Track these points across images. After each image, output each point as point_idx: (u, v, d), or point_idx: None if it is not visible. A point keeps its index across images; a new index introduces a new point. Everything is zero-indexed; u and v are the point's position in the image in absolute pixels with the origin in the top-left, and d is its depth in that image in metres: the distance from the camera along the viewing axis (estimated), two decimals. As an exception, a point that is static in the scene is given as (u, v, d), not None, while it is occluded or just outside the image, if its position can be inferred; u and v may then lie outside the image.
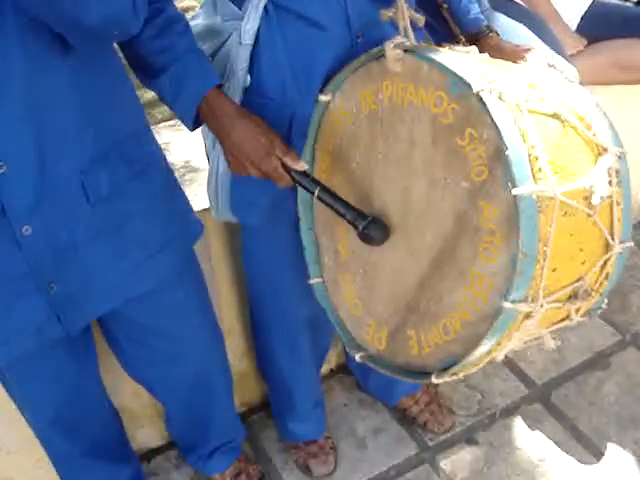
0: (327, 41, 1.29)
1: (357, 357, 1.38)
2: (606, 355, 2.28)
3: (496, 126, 1.09)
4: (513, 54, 1.36)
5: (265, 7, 1.27)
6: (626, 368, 2.21)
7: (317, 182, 1.27)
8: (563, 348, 2.25)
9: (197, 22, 1.41)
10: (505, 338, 1.19)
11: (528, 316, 1.17)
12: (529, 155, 1.09)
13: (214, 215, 1.54)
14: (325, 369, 2.17)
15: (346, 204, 1.26)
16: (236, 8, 1.31)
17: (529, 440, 1.96)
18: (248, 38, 1.29)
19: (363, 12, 1.30)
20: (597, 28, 2.12)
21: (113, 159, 1.21)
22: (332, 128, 1.36)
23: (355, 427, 2.03)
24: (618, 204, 1.22)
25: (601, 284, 1.27)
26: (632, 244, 1.28)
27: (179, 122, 1.35)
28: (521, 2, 2.07)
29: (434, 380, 1.23)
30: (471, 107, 1.12)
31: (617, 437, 1.97)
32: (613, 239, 1.23)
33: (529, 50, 1.38)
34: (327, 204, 1.27)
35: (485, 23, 1.47)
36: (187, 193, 1.46)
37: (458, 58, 1.17)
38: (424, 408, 1.95)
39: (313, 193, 1.27)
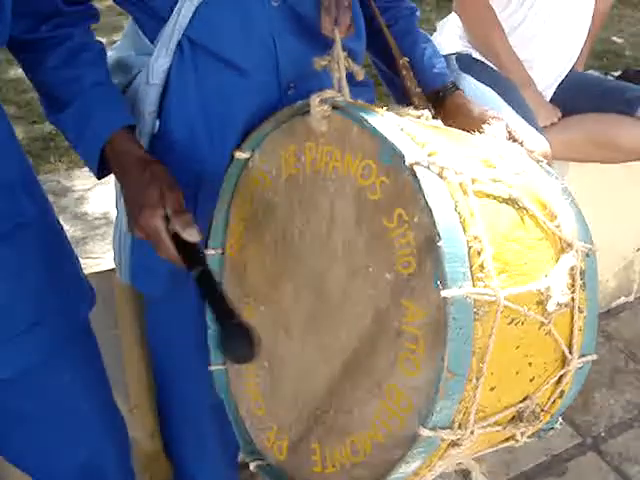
0: (249, 89, 1.09)
1: (251, 466, 1.14)
2: (563, 459, 2.04)
3: (429, 210, 0.88)
4: (480, 117, 1.17)
5: (179, 43, 1.07)
6: (584, 476, 1.99)
7: (203, 262, 1.04)
8: (516, 448, 2.02)
9: (110, 54, 1.20)
10: (424, 468, 0.97)
11: (454, 444, 0.95)
12: (469, 248, 0.89)
13: (119, 276, 1.31)
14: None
15: (223, 296, 1.01)
16: (148, 41, 1.10)
17: None
18: (156, 77, 1.08)
19: (297, 59, 1.10)
20: (573, 100, 1.94)
21: None
22: (248, 191, 1.15)
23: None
24: (581, 311, 1.02)
25: (554, 403, 1.07)
26: (594, 357, 1.07)
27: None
28: (493, 66, 1.90)
29: (337, 512, 1.00)
30: (403, 183, 0.92)
31: None
32: (571, 352, 1.03)
33: (496, 117, 1.19)
34: (202, 289, 1.02)
35: (451, 79, 1.27)
36: (97, 248, 1.24)
37: (398, 122, 0.97)
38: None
39: (191, 270, 1.02)
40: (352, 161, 0.98)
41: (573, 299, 1.00)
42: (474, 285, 0.88)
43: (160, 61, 1.07)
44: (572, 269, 1.00)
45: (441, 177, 0.91)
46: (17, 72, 4.05)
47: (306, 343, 1.06)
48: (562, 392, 1.06)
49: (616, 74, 2.21)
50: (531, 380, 1.01)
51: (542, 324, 0.97)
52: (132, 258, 1.22)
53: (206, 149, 1.11)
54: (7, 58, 4.09)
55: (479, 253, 0.89)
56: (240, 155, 1.13)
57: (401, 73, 1.25)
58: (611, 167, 2.05)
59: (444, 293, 0.86)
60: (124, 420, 1.35)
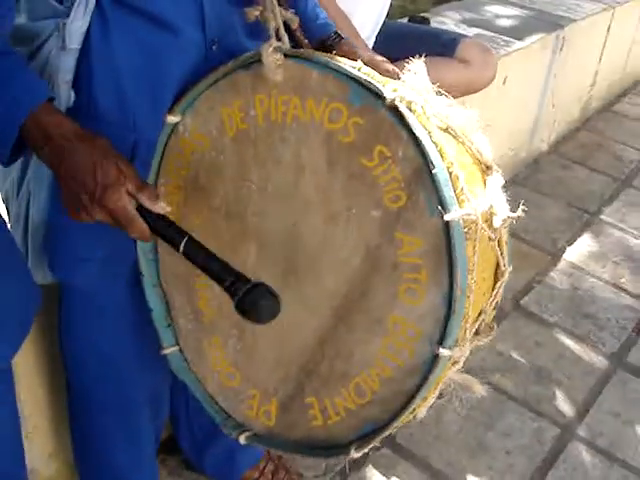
0: (179, 47, 1.01)
1: (242, 439, 1.10)
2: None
3: (417, 142, 0.91)
4: (370, 62, 1.19)
5: (98, 1, 0.96)
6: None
7: (183, 231, 0.96)
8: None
9: None
10: (432, 392, 1.01)
11: (454, 362, 1.00)
12: (450, 174, 0.93)
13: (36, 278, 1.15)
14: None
15: (222, 262, 0.95)
16: (55, 3, 0.97)
17: (386, 490, 1.81)
18: (75, 41, 0.96)
19: (221, 14, 1.05)
20: (392, 48, 2.05)
21: None
22: (182, 157, 1.08)
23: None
24: (504, 226, 1.11)
25: (492, 316, 1.15)
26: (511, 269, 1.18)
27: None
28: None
29: (354, 455, 1.01)
30: (380, 121, 0.93)
31: (470, 466, 1.89)
32: (504, 265, 1.12)
33: (385, 60, 1.24)
34: (196, 262, 0.96)
35: (334, 29, 1.29)
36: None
37: (352, 64, 0.97)
38: (272, 479, 1.69)
39: (177, 247, 0.95)
40: (316, 107, 0.97)
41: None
42: (461, 207, 0.93)
43: (77, 23, 0.95)
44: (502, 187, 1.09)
45: (411, 111, 0.94)
46: None
47: (283, 300, 1.03)
48: (496, 304, 1.16)
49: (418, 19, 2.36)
50: (484, 294, 1.09)
51: (490, 239, 1.05)
52: (53, 247, 1.08)
53: (139, 116, 1.02)
54: None
55: (457, 178, 0.94)
56: (171, 119, 1.05)
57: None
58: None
59: (447, 217, 0.90)
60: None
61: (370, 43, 2.10)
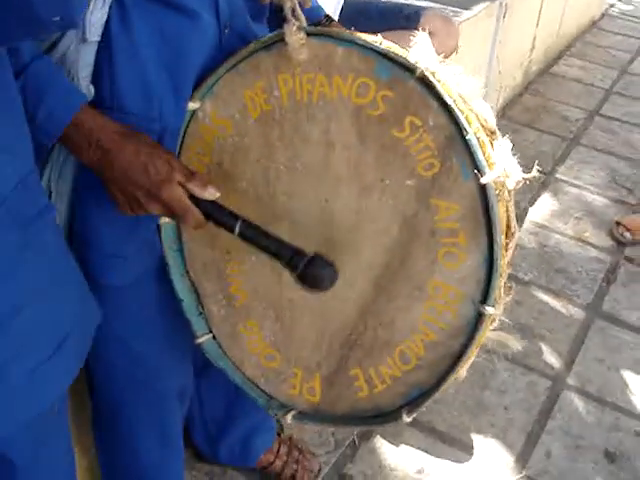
0: (197, 32, 1.01)
1: (288, 418, 1.11)
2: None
3: (448, 109, 0.94)
4: None
5: None
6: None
7: (235, 214, 0.99)
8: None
9: None
10: (474, 350, 1.04)
11: (493, 320, 1.04)
12: (477, 139, 0.96)
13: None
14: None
15: (278, 239, 1.00)
16: None
17: (399, 457, 1.84)
18: (95, 33, 0.95)
19: None
20: (357, 24, 2.07)
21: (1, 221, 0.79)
22: (204, 143, 1.07)
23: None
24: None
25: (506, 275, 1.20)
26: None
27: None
28: None
29: (406, 419, 1.04)
30: (409, 92, 0.95)
31: (473, 425, 1.96)
32: (514, 226, 1.16)
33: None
34: (253, 242, 1.00)
35: (325, 12, 1.30)
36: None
37: (373, 39, 0.98)
38: (287, 460, 1.71)
39: (232, 230, 0.99)
40: (342, 83, 0.98)
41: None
42: (491, 170, 0.97)
43: (97, 14, 0.94)
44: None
45: (438, 80, 0.97)
46: None
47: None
48: (509, 263, 1.21)
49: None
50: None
51: (506, 201, 1.09)
52: (83, 249, 1.07)
53: (165, 104, 1.01)
54: None
55: (484, 143, 0.97)
56: (190, 106, 1.05)
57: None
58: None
59: (483, 180, 0.93)
60: None
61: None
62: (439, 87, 0.94)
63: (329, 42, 0.98)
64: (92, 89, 0.98)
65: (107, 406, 1.30)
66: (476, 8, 2.89)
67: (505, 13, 3.14)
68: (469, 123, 0.95)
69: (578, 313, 2.41)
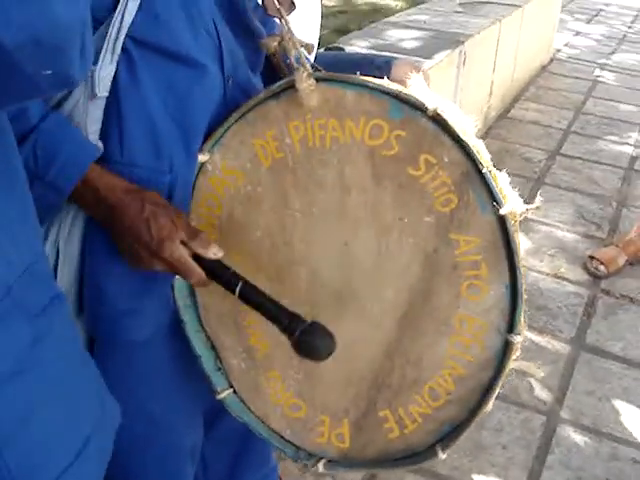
0: (204, 84, 1.01)
1: (320, 467, 1.09)
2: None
3: (462, 145, 0.96)
4: None
5: (122, 45, 0.95)
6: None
7: (238, 275, 0.99)
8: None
9: None
10: (503, 378, 1.04)
11: (516, 349, 1.04)
12: (489, 172, 0.98)
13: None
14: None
15: (277, 304, 0.99)
16: None
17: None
18: (104, 89, 0.95)
19: (232, 49, 1.06)
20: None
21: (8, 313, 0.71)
22: (214, 196, 1.08)
23: None
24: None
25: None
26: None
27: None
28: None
29: (441, 456, 1.03)
30: (422, 130, 0.97)
31: (474, 467, 1.93)
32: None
33: None
34: (252, 305, 0.99)
35: (312, 62, 1.33)
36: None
37: (379, 82, 1.01)
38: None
39: (233, 290, 0.98)
40: (355, 126, 1.00)
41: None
42: (505, 202, 0.99)
43: (106, 69, 0.94)
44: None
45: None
46: None
47: (342, 321, 1.05)
48: None
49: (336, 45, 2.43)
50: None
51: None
52: (95, 307, 1.05)
53: (175, 156, 1.01)
54: None
55: (496, 176, 1.00)
56: (200, 158, 1.05)
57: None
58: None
59: (502, 211, 0.95)
60: None
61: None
62: (451, 124, 0.96)
63: (339, 87, 0.99)
64: (101, 145, 0.98)
65: (121, 468, 1.25)
66: (437, 57, 2.99)
67: (464, 61, 3.25)
68: (480, 157, 0.98)
69: (563, 348, 2.44)
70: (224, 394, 1.13)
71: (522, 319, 1.02)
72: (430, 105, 0.96)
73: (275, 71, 1.19)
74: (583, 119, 4.27)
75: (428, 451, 1.05)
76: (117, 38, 0.94)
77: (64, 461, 0.76)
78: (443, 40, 3.24)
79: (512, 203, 0.97)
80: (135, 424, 1.18)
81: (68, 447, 0.77)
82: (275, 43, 1.05)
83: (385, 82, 0.99)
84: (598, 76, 5.04)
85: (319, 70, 1.38)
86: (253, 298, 0.98)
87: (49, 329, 0.76)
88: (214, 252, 0.97)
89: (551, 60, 5.29)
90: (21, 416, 0.71)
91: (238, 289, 0.98)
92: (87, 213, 0.98)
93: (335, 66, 2.17)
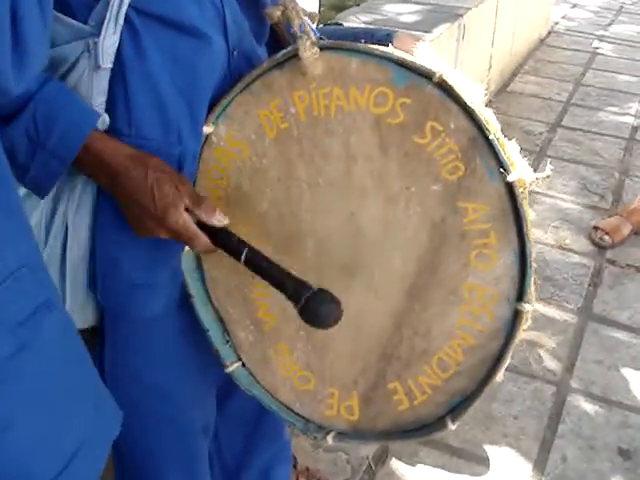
0: (209, 54, 1.00)
1: (329, 440, 1.08)
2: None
3: (468, 112, 0.95)
4: None
5: (125, 16, 0.93)
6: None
7: (243, 242, 0.98)
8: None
9: None
10: (513, 349, 1.04)
11: (527, 318, 1.03)
12: (497, 139, 0.97)
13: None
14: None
15: (284, 270, 0.97)
16: (77, 22, 0.94)
17: (417, 476, 1.82)
18: (107, 60, 0.93)
19: (236, 20, 1.04)
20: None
21: None
22: (220, 168, 1.06)
23: None
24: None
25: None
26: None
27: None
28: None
29: (451, 427, 1.02)
30: (428, 97, 0.96)
31: (486, 438, 1.94)
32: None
33: None
34: (258, 272, 0.98)
35: (318, 34, 1.31)
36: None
37: (383, 49, 0.99)
38: (306, 491, 1.67)
39: (238, 258, 0.97)
40: (359, 95, 0.98)
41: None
42: (514, 169, 0.97)
43: (109, 40, 0.92)
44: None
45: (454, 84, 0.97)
46: None
47: (350, 291, 1.04)
48: None
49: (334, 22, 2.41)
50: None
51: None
52: (107, 281, 1.04)
53: (183, 127, 1.00)
54: None
55: (504, 143, 0.98)
56: (205, 130, 1.04)
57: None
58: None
59: (510, 178, 0.94)
60: None
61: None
62: (458, 90, 0.94)
63: (343, 55, 0.98)
64: (107, 118, 0.97)
65: (132, 448, 1.25)
66: (437, 31, 2.96)
67: (464, 34, 3.22)
68: (488, 124, 0.96)
69: (571, 318, 2.44)
70: (233, 367, 1.12)
71: (532, 288, 1.01)
72: (435, 71, 0.94)
73: (281, 42, 1.17)
74: (583, 91, 4.23)
75: (438, 422, 1.04)
76: (120, 8, 0.92)
77: (48, 473, 0.72)
78: (442, 14, 3.21)
79: (520, 170, 0.96)
80: (146, 401, 1.18)
81: (54, 457, 0.74)
82: (279, 12, 1.04)
83: (390, 49, 0.98)
84: (597, 48, 5.00)
85: (323, 39, 1.37)
86: (259, 264, 0.97)
87: (34, 337, 0.72)
88: (218, 219, 0.96)
89: (549, 33, 5.24)
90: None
91: (244, 255, 0.96)
92: (91, 177, 0.97)
93: (336, 39, 2.16)
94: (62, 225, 1.02)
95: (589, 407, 2.07)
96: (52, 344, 0.76)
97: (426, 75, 0.95)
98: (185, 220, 0.95)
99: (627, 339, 2.35)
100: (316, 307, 0.93)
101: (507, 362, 1.03)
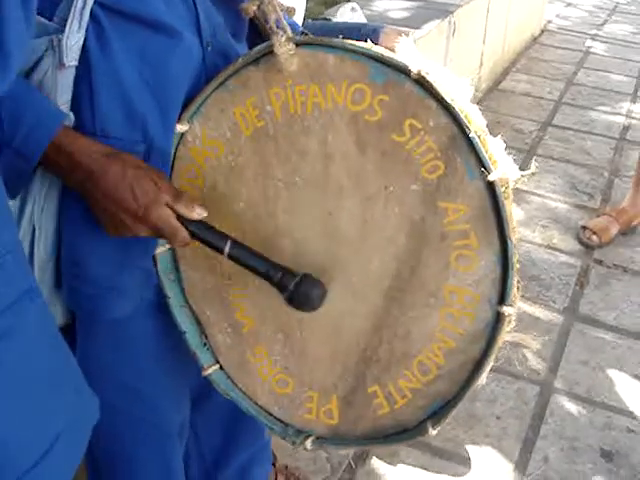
0: (180, 51, 0.97)
1: (308, 445, 1.06)
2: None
3: (448, 109, 0.92)
4: None
5: (91, 13, 0.90)
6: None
7: (224, 235, 0.96)
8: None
9: None
10: (495, 352, 1.01)
11: (509, 321, 1.01)
12: (478, 137, 0.94)
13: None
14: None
15: (267, 260, 0.97)
16: (41, 19, 0.91)
17: (397, 476, 1.80)
18: (73, 57, 0.91)
19: (211, 14, 1.02)
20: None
21: None
22: (195, 166, 1.04)
23: None
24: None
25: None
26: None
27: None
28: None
29: (432, 432, 1.00)
30: (407, 94, 0.93)
31: (468, 438, 1.93)
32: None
33: None
34: (242, 263, 0.97)
35: (301, 29, 1.28)
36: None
37: (361, 44, 0.97)
38: (284, 490, 1.65)
39: (221, 251, 0.96)
40: (337, 92, 0.96)
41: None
42: (495, 168, 0.95)
43: (73, 37, 0.89)
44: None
45: (434, 81, 0.95)
46: None
47: (329, 292, 1.01)
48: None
49: (322, 18, 2.38)
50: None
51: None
52: (75, 283, 1.01)
53: (150, 125, 0.96)
54: None
55: (486, 141, 0.96)
56: (179, 129, 1.01)
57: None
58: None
59: (491, 177, 0.92)
60: None
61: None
62: (437, 87, 0.92)
63: (319, 51, 0.95)
64: (72, 115, 0.94)
65: (106, 451, 1.22)
66: (427, 27, 2.94)
67: (454, 31, 3.20)
68: (469, 122, 0.94)
69: (556, 318, 2.42)
70: (210, 370, 1.10)
71: (514, 291, 0.99)
72: (414, 68, 0.92)
73: (264, 39, 1.15)
74: (574, 90, 4.22)
75: (419, 427, 1.02)
76: (85, 4, 0.89)
77: (28, 459, 0.72)
78: (432, 10, 3.19)
79: (502, 169, 0.94)
80: (120, 402, 1.15)
81: (35, 443, 0.73)
82: (254, 7, 1.01)
83: (367, 45, 0.95)
84: (589, 47, 4.99)
85: (305, 35, 1.35)
86: (243, 256, 0.97)
87: (17, 324, 0.72)
88: (198, 212, 0.95)
89: (542, 31, 5.23)
90: None
91: (227, 248, 0.96)
92: (64, 182, 0.94)
93: (323, 35, 2.13)
94: (29, 226, 0.99)
95: (572, 408, 2.05)
96: (35, 330, 0.76)
97: (405, 71, 0.92)
98: (167, 216, 0.93)
99: (613, 340, 2.33)
100: (307, 290, 0.96)
101: (489, 366, 1.01)
